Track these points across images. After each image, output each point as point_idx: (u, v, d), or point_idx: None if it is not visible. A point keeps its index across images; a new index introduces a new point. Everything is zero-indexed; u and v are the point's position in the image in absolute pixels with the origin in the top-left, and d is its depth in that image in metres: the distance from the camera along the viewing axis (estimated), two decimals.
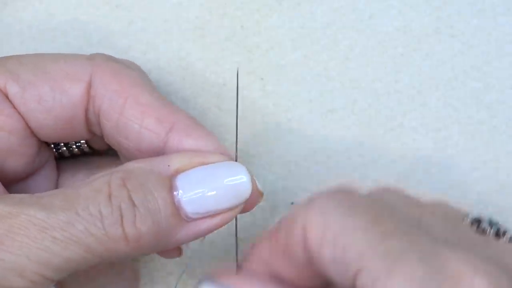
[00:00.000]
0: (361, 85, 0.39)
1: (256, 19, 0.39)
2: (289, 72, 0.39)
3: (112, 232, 0.28)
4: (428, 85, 0.39)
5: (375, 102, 0.39)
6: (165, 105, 0.32)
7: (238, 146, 0.38)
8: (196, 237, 0.30)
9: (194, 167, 0.30)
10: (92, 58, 0.33)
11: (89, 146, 0.35)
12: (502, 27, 0.39)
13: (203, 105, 0.39)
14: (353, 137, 0.39)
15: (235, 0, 0.39)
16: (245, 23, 0.39)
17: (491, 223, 0.29)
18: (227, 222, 0.31)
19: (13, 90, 0.31)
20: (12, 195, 0.30)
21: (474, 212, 0.30)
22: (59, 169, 0.35)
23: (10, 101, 0.31)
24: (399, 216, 0.28)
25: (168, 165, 0.30)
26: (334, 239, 0.27)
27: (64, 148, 0.35)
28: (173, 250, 0.32)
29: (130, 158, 0.32)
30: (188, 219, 0.30)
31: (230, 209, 0.30)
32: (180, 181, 0.30)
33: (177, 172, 0.30)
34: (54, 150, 0.35)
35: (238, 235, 0.33)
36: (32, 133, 0.32)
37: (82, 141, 0.35)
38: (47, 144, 0.34)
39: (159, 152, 0.31)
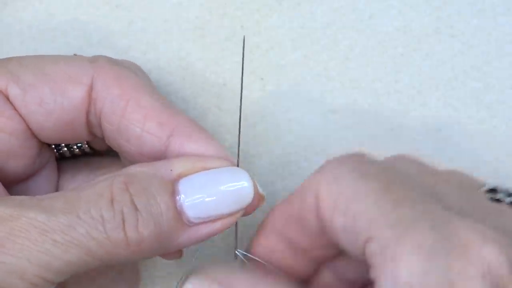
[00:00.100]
0: (361, 85, 0.39)
1: (256, 19, 0.39)
2: (289, 72, 0.39)
3: (113, 236, 0.28)
4: (428, 85, 0.39)
5: (375, 102, 0.39)
6: (167, 109, 0.32)
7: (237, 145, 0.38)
8: (197, 241, 0.30)
9: (196, 172, 0.30)
10: (94, 60, 0.32)
11: (90, 146, 0.35)
12: (502, 27, 0.39)
13: (203, 105, 0.39)
14: (353, 137, 0.39)
15: (235, 0, 0.39)
16: (245, 23, 0.39)
17: (508, 193, 0.29)
18: (228, 227, 0.31)
19: (14, 92, 0.31)
20: (12, 197, 0.30)
21: (490, 182, 0.30)
22: (59, 169, 0.35)
23: (11, 103, 0.31)
24: (412, 183, 0.28)
25: (171, 170, 0.30)
26: (346, 207, 0.27)
27: (65, 149, 0.35)
28: (174, 252, 0.32)
29: (131, 160, 0.32)
30: (190, 224, 0.30)
31: (231, 214, 0.30)
32: (182, 185, 0.30)
33: (180, 176, 0.30)
34: (55, 150, 0.35)
35: (237, 235, 0.33)
36: (33, 135, 0.32)
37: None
38: (48, 145, 0.34)
39: (161, 155, 0.31)
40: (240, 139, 0.33)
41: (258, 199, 0.31)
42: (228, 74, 0.39)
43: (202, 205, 0.30)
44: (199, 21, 0.39)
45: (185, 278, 0.29)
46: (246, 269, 0.31)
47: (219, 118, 0.39)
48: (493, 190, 0.30)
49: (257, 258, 0.31)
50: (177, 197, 0.30)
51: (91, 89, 0.32)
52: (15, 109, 0.31)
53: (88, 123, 0.32)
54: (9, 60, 0.32)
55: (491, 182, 0.30)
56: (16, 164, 0.32)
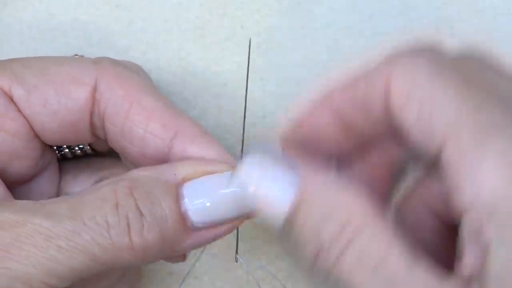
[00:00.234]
0: None
1: (256, 19, 0.39)
2: (289, 72, 0.39)
3: (118, 241, 0.28)
4: None
5: None
6: (170, 110, 0.31)
7: (237, 145, 0.38)
8: (200, 245, 0.30)
9: (200, 176, 0.30)
10: (98, 62, 0.32)
11: (91, 148, 0.35)
12: (502, 27, 0.39)
13: (203, 105, 0.39)
14: None
15: (235, 0, 0.39)
16: (245, 23, 0.39)
17: None
18: (232, 231, 0.31)
19: (18, 93, 0.31)
20: (17, 201, 0.29)
21: None
22: (61, 170, 0.35)
23: (15, 104, 0.31)
24: (491, 85, 0.26)
25: (175, 174, 0.30)
26: (421, 99, 0.26)
27: (67, 150, 0.35)
28: (178, 256, 0.32)
29: (134, 162, 0.32)
30: (194, 228, 0.30)
31: (235, 218, 0.30)
32: (186, 190, 0.30)
33: (183, 180, 0.30)
34: (57, 151, 0.35)
35: (238, 238, 0.33)
36: (36, 136, 0.32)
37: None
38: (50, 146, 0.34)
39: (164, 157, 0.31)
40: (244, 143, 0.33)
41: None
42: (228, 74, 0.39)
43: (206, 209, 0.30)
44: (199, 21, 0.39)
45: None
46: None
47: (219, 118, 0.39)
48: None
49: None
50: (181, 202, 0.29)
51: (94, 90, 0.32)
52: (19, 110, 0.31)
53: (92, 125, 0.32)
54: (13, 61, 0.32)
55: None
56: (19, 166, 0.32)
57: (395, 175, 0.31)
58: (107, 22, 0.39)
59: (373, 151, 0.30)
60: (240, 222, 0.31)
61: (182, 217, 0.29)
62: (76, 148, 0.35)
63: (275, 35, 0.39)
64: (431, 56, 0.27)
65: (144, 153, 0.31)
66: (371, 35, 0.39)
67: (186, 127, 0.31)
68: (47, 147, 0.33)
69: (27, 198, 0.33)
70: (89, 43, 0.39)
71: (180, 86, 0.39)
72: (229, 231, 0.31)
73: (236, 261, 0.34)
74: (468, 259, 0.25)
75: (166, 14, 0.39)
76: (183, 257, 0.33)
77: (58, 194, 0.35)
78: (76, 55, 0.37)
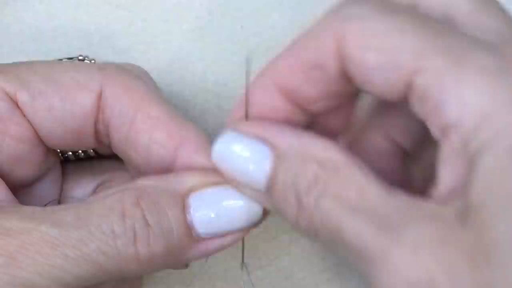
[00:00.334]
0: None
1: (256, 19, 0.39)
2: None
3: (124, 251, 0.28)
4: None
5: None
6: (175, 119, 0.31)
7: None
8: (205, 255, 0.30)
9: (206, 187, 0.30)
10: (103, 68, 0.32)
11: (95, 151, 0.35)
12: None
13: (203, 105, 0.39)
14: None
15: (235, 0, 0.39)
16: (245, 23, 0.39)
17: None
18: (236, 242, 0.31)
19: (23, 98, 0.31)
20: (24, 208, 0.29)
21: None
22: (63, 172, 0.35)
23: (20, 109, 0.31)
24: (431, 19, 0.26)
25: (181, 184, 0.30)
26: (380, 42, 0.25)
27: (70, 153, 0.35)
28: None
29: (137, 169, 0.32)
30: (199, 239, 0.30)
31: (240, 229, 0.30)
32: (193, 200, 0.30)
33: (190, 191, 0.30)
34: (60, 154, 0.35)
35: (244, 247, 0.33)
36: (41, 141, 0.32)
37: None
38: (54, 149, 0.34)
39: (168, 166, 0.31)
40: None
41: (265, 213, 0.31)
42: (228, 74, 0.39)
43: (212, 220, 0.30)
44: (199, 21, 0.39)
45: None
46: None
47: (219, 118, 0.39)
48: None
49: None
50: (188, 212, 0.29)
51: (100, 97, 0.31)
52: (24, 115, 0.31)
53: (96, 131, 0.32)
54: (18, 65, 0.32)
55: None
56: (23, 169, 0.32)
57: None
58: (107, 22, 0.39)
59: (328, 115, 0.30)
60: (246, 233, 0.31)
61: (188, 228, 0.29)
62: (80, 151, 0.35)
63: (275, 35, 0.39)
64: (377, 3, 0.26)
65: (148, 161, 0.31)
66: None
67: (191, 137, 0.31)
68: (50, 150, 0.33)
69: (30, 201, 0.33)
70: (89, 43, 0.39)
71: (180, 86, 0.39)
72: (234, 242, 0.31)
73: (242, 269, 0.34)
74: (448, 178, 0.25)
75: (166, 14, 0.39)
76: (185, 265, 0.33)
77: (60, 196, 0.35)
78: (80, 55, 0.37)
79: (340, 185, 0.26)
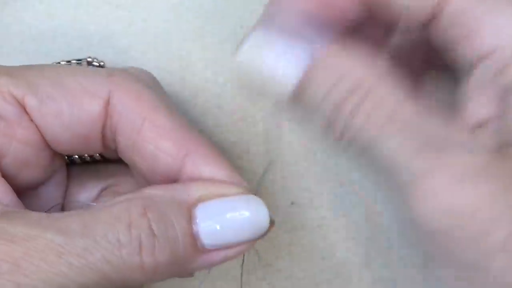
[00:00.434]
0: None
1: (256, 19, 0.39)
2: None
3: (129, 261, 0.28)
4: None
5: None
6: (183, 128, 0.31)
7: (237, 145, 0.38)
8: (210, 266, 0.30)
9: (213, 198, 0.30)
10: (111, 74, 0.32)
11: (101, 155, 0.35)
12: None
13: (203, 105, 0.39)
14: None
15: (235, 0, 0.39)
16: (245, 23, 0.39)
17: None
18: (241, 254, 0.31)
19: (31, 103, 0.31)
20: (29, 214, 0.29)
21: None
22: (69, 176, 0.35)
23: (28, 114, 0.31)
24: None
25: (188, 195, 0.30)
26: None
27: (76, 156, 0.35)
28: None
29: (143, 176, 0.32)
30: (204, 250, 0.30)
31: (246, 241, 0.30)
32: (199, 212, 0.30)
33: (196, 202, 0.30)
34: (66, 157, 0.35)
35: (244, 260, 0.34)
36: (47, 145, 0.32)
37: None
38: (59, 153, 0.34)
39: (174, 175, 0.31)
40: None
41: (271, 225, 0.31)
42: (228, 74, 0.39)
43: (217, 232, 0.30)
44: (199, 21, 0.39)
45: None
46: None
47: (219, 118, 0.39)
48: None
49: None
50: (194, 223, 0.30)
51: (107, 103, 0.31)
52: (31, 119, 0.31)
53: (103, 136, 0.32)
54: (27, 69, 0.32)
55: None
56: (29, 173, 0.32)
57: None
58: (107, 22, 0.39)
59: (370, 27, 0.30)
60: (251, 245, 0.31)
61: (194, 239, 0.29)
62: (86, 155, 0.35)
63: None
64: None
65: (155, 169, 0.31)
66: None
67: (198, 146, 0.31)
68: (56, 154, 0.33)
69: (35, 203, 0.33)
70: (89, 43, 0.39)
71: (180, 86, 0.39)
72: (240, 254, 0.31)
73: (241, 268, 0.34)
74: (480, 109, 0.24)
75: (166, 14, 0.39)
76: (190, 274, 0.33)
77: (65, 199, 0.35)
78: (89, 57, 0.37)
79: (378, 99, 0.25)
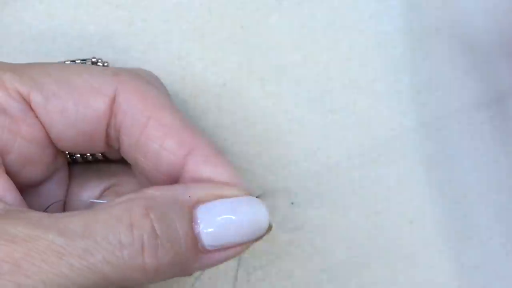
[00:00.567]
0: (361, 85, 0.39)
1: (256, 19, 0.39)
2: (289, 72, 0.39)
3: (131, 262, 0.28)
4: (428, 85, 0.39)
5: (375, 102, 0.39)
6: (187, 128, 0.32)
7: (237, 145, 0.38)
8: (209, 267, 0.31)
9: (214, 199, 0.30)
10: (117, 73, 0.32)
11: (103, 155, 0.35)
12: (502, 27, 0.39)
13: (203, 105, 0.39)
14: (353, 137, 0.39)
15: (235, 0, 0.39)
16: (245, 23, 0.39)
17: None
18: (240, 254, 0.31)
19: (37, 99, 0.31)
20: (31, 214, 0.29)
21: None
22: (70, 174, 0.35)
23: (33, 111, 0.31)
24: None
25: (189, 196, 0.30)
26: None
27: (78, 155, 0.35)
28: None
29: (145, 175, 0.32)
30: (205, 251, 0.30)
31: (245, 243, 0.30)
32: (200, 213, 0.30)
33: (197, 203, 0.30)
34: (68, 156, 0.35)
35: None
36: (51, 143, 0.32)
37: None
38: (62, 151, 0.34)
39: (175, 173, 0.31)
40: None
41: (270, 226, 0.31)
42: (228, 74, 0.39)
43: (218, 233, 0.30)
44: (199, 21, 0.39)
45: None
46: None
47: (219, 118, 0.39)
48: None
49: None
50: (195, 224, 0.30)
51: (113, 101, 0.32)
52: (36, 116, 0.31)
53: (107, 135, 0.32)
54: (32, 66, 0.32)
55: None
56: (32, 170, 0.32)
57: None
58: (107, 22, 0.39)
59: None
60: (249, 246, 0.31)
61: (195, 240, 0.30)
62: (88, 154, 0.35)
63: (275, 35, 0.39)
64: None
65: (157, 168, 0.32)
66: (371, 35, 0.39)
67: (201, 146, 0.31)
68: (59, 152, 0.33)
69: (36, 201, 0.33)
70: (89, 43, 0.39)
71: (180, 86, 0.39)
72: (237, 254, 0.31)
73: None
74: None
75: (166, 14, 0.39)
76: (189, 274, 0.33)
77: (66, 198, 0.35)
78: (94, 57, 0.37)
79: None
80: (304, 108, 0.39)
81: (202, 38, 0.39)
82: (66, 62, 0.37)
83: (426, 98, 0.39)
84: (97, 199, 0.35)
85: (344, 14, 0.39)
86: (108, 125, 0.32)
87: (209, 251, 0.30)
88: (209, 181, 0.31)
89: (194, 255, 0.30)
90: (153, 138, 0.31)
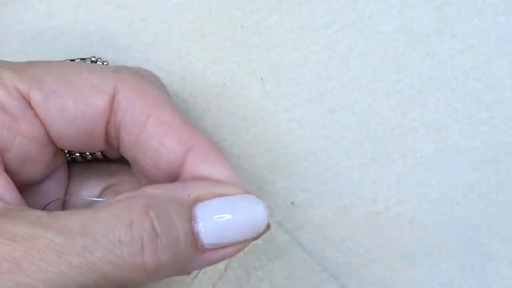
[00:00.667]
0: (361, 85, 0.39)
1: (256, 19, 0.39)
2: (289, 72, 0.39)
3: (130, 260, 0.28)
4: (428, 85, 0.39)
5: (375, 102, 0.39)
6: (186, 126, 0.32)
7: (237, 145, 0.38)
8: (207, 265, 0.31)
9: (212, 198, 0.30)
10: (117, 71, 0.32)
11: (102, 154, 0.35)
12: (502, 27, 0.39)
13: (203, 105, 0.39)
14: (353, 137, 0.39)
15: (235, 0, 0.39)
16: (245, 23, 0.39)
17: None
18: (238, 252, 0.31)
19: (36, 97, 0.31)
20: (30, 213, 0.29)
21: None
22: (70, 173, 0.35)
23: (32, 109, 0.31)
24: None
25: (188, 194, 0.30)
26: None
27: (77, 154, 0.35)
28: None
29: (144, 173, 0.32)
30: (204, 249, 0.30)
31: (245, 240, 0.30)
32: (199, 211, 0.30)
33: (196, 201, 0.30)
34: (68, 155, 0.35)
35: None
36: (50, 141, 0.32)
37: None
38: (61, 149, 0.34)
39: (175, 171, 0.31)
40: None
41: (268, 225, 0.31)
42: (228, 74, 0.39)
43: (217, 232, 0.30)
44: (199, 21, 0.39)
45: None
46: None
47: (219, 118, 0.39)
48: None
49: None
50: (194, 223, 0.30)
51: (113, 100, 0.32)
52: (36, 114, 0.31)
53: (106, 134, 0.32)
54: (32, 65, 0.32)
55: None
56: (31, 169, 0.32)
57: None
58: (107, 22, 0.39)
59: None
60: (247, 244, 0.31)
61: (194, 238, 0.30)
62: (87, 153, 0.35)
63: (275, 35, 0.39)
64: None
65: (157, 165, 0.32)
66: (371, 35, 0.39)
67: (200, 144, 0.31)
68: (58, 150, 0.33)
69: (35, 200, 0.33)
70: (89, 43, 0.39)
71: (180, 86, 0.39)
72: (236, 253, 0.31)
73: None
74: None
75: (166, 14, 0.39)
76: (187, 272, 0.33)
77: (66, 197, 0.35)
78: (93, 57, 0.37)
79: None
80: (304, 108, 0.39)
81: (202, 38, 0.39)
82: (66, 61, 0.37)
83: (426, 98, 0.39)
84: (97, 198, 0.35)
85: (344, 14, 0.39)
86: (107, 123, 0.32)
87: (208, 250, 0.30)
88: (208, 179, 0.31)
89: (193, 254, 0.30)
90: (152, 135, 0.31)
